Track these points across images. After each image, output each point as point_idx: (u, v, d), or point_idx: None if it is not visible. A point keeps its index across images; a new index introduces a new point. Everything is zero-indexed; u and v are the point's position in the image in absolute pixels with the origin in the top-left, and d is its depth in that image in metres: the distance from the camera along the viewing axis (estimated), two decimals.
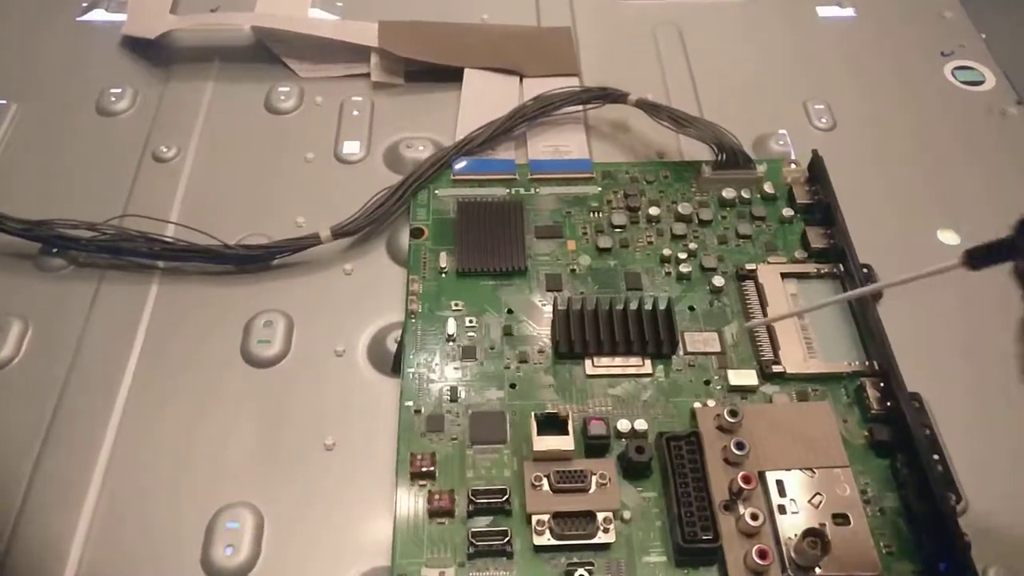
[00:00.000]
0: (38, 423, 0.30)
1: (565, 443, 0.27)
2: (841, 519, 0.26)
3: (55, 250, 0.34)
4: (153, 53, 0.43)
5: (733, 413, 0.28)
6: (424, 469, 0.27)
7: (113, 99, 0.41)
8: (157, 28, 0.43)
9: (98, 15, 0.46)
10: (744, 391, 0.30)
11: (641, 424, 0.29)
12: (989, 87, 0.43)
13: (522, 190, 0.37)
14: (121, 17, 0.45)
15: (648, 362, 0.31)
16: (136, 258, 0.34)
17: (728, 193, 0.36)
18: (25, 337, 0.32)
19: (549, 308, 0.32)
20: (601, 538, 0.26)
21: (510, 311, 0.32)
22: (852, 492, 0.27)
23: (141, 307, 0.33)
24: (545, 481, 0.27)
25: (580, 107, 0.40)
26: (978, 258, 0.22)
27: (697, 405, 0.29)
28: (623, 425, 0.29)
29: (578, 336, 0.30)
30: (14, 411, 0.30)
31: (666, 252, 0.34)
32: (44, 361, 0.31)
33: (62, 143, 0.39)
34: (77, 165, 0.38)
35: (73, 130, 0.40)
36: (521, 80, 0.42)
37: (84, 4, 0.46)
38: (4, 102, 0.41)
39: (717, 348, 0.31)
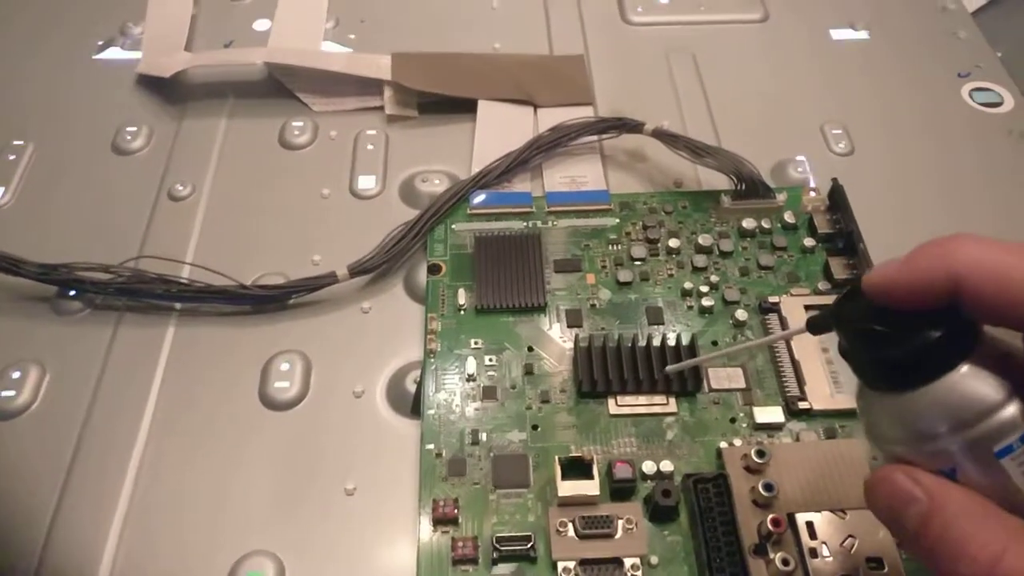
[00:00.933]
0: (57, 470, 0.29)
1: (590, 488, 0.27)
2: (875, 564, 0.26)
3: (72, 293, 0.34)
4: (168, 90, 0.43)
5: (761, 454, 0.27)
6: (447, 515, 0.27)
7: (129, 138, 0.41)
8: (171, 66, 0.43)
9: (114, 53, 0.46)
10: (770, 428, 0.30)
11: (667, 465, 0.28)
12: (1008, 108, 0.43)
13: (539, 223, 0.36)
14: (136, 55, 0.45)
15: (672, 400, 0.30)
16: (153, 300, 0.34)
17: (748, 223, 0.35)
18: (43, 382, 0.32)
19: (570, 344, 0.32)
20: None
21: (530, 348, 0.32)
22: (886, 535, 0.26)
23: (158, 349, 0.33)
24: (570, 527, 0.26)
25: (596, 137, 0.40)
26: (813, 326, 0.22)
27: (723, 444, 0.29)
28: (648, 467, 0.28)
29: (600, 375, 0.30)
30: (32, 458, 0.30)
31: (687, 285, 0.33)
32: (62, 406, 0.31)
33: (78, 183, 0.39)
34: (93, 205, 0.38)
35: (89, 170, 0.40)
36: (535, 110, 0.42)
37: (100, 43, 0.46)
38: (20, 143, 0.41)
39: (742, 384, 0.31)
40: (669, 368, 0.29)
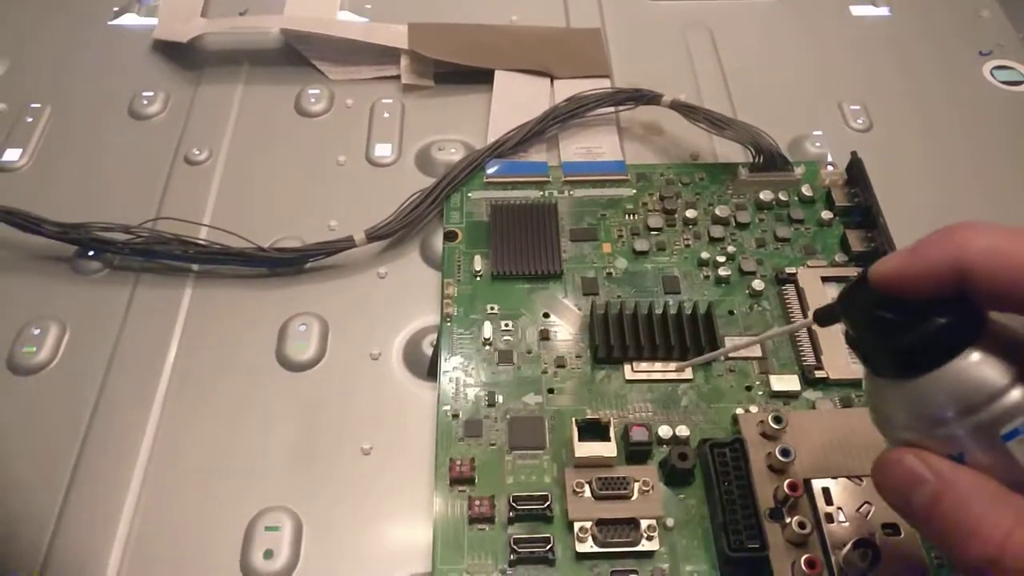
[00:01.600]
0: (76, 426, 0.30)
1: (607, 449, 0.27)
2: (891, 529, 0.26)
3: (91, 253, 0.34)
4: (184, 57, 0.43)
5: (777, 420, 0.27)
6: (464, 475, 0.27)
7: (145, 103, 0.41)
8: (187, 32, 0.43)
9: (129, 19, 0.46)
10: (786, 397, 0.30)
11: (683, 430, 0.28)
12: None
13: (555, 192, 0.36)
14: (152, 22, 0.45)
15: (688, 368, 0.30)
16: (171, 261, 0.34)
17: (766, 195, 0.35)
18: (63, 340, 0.32)
19: (585, 312, 0.32)
20: (645, 546, 0.26)
21: (546, 315, 0.32)
22: None
23: (176, 310, 0.33)
24: (587, 488, 0.26)
25: (612, 108, 0.40)
26: (820, 318, 0.22)
27: (739, 411, 0.29)
28: (664, 431, 0.28)
29: (617, 340, 0.30)
30: (52, 414, 0.30)
31: (704, 255, 0.33)
32: (81, 364, 0.31)
33: (96, 146, 0.39)
34: (111, 168, 0.38)
35: (106, 133, 0.40)
36: (552, 82, 0.42)
37: (115, 9, 0.46)
38: (38, 106, 0.41)
39: (758, 353, 0.31)
40: (688, 363, 0.29)
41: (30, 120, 0.40)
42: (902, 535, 0.25)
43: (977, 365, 0.18)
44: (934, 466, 0.19)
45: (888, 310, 0.19)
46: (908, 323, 0.19)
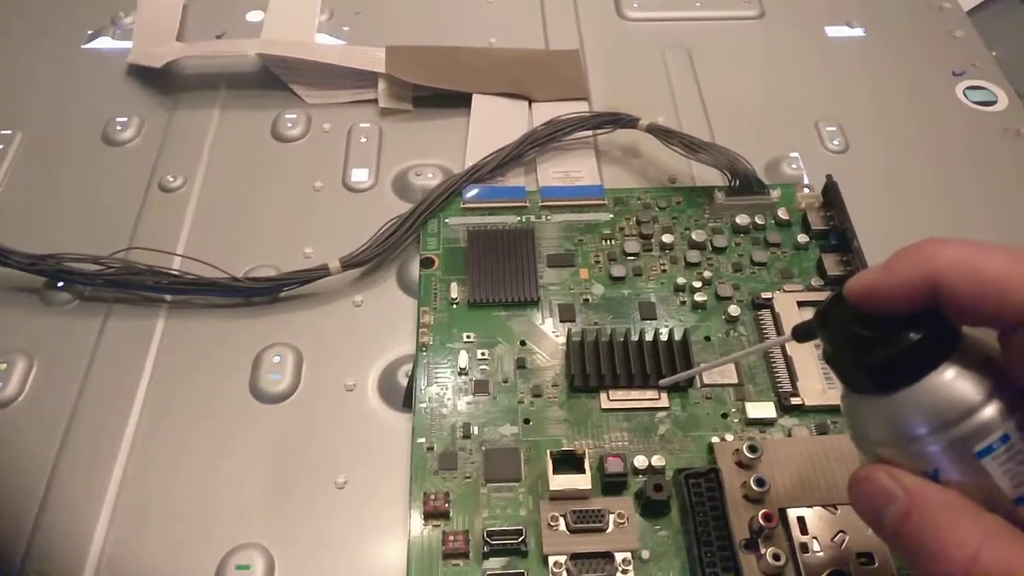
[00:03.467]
0: (43, 462, 0.29)
1: (582, 482, 0.27)
2: (865, 559, 0.25)
3: (60, 284, 0.34)
4: (159, 81, 0.43)
5: (753, 449, 0.27)
6: (438, 509, 0.27)
7: (119, 128, 0.41)
8: (163, 56, 0.42)
9: (104, 43, 0.46)
10: (762, 424, 0.30)
11: (659, 460, 0.28)
12: (1002, 107, 0.43)
13: (533, 217, 0.36)
14: (127, 45, 0.45)
15: (664, 395, 0.30)
16: (143, 291, 0.34)
17: (742, 219, 0.35)
18: (30, 374, 0.32)
19: (562, 339, 0.32)
20: None
21: (523, 343, 0.32)
22: None
23: (148, 341, 0.33)
24: (562, 521, 0.26)
25: (590, 132, 0.40)
26: (798, 334, 0.22)
27: (715, 439, 0.29)
28: (640, 461, 0.28)
29: (593, 369, 0.30)
30: (19, 450, 0.30)
31: (680, 281, 0.33)
32: (50, 398, 0.31)
33: (67, 173, 0.39)
34: (82, 196, 0.38)
35: (79, 160, 0.40)
36: (530, 105, 0.42)
37: (89, 32, 0.46)
38: (8, 132, 0.40)
39: (734, 380, 0.31)
40: (663, 382, 0.29)
41: (0, 147, 0.40)
42: (876, 564, 0.25)
43: (952, 381, 0.19)
44: (904, 483, 0.19)
45: (863, 326, 0.20)
46: (883, 339, 0.19)
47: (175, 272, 0.33)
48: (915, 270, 0.19)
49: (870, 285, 0.19)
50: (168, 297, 0.34)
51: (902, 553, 0.19)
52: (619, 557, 0.26)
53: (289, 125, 0.41)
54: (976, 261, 0.18)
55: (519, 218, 0.36)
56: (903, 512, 0.19)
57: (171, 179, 0.38)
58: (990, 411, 0.18)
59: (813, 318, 0.21)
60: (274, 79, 0.43)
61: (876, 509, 0.20)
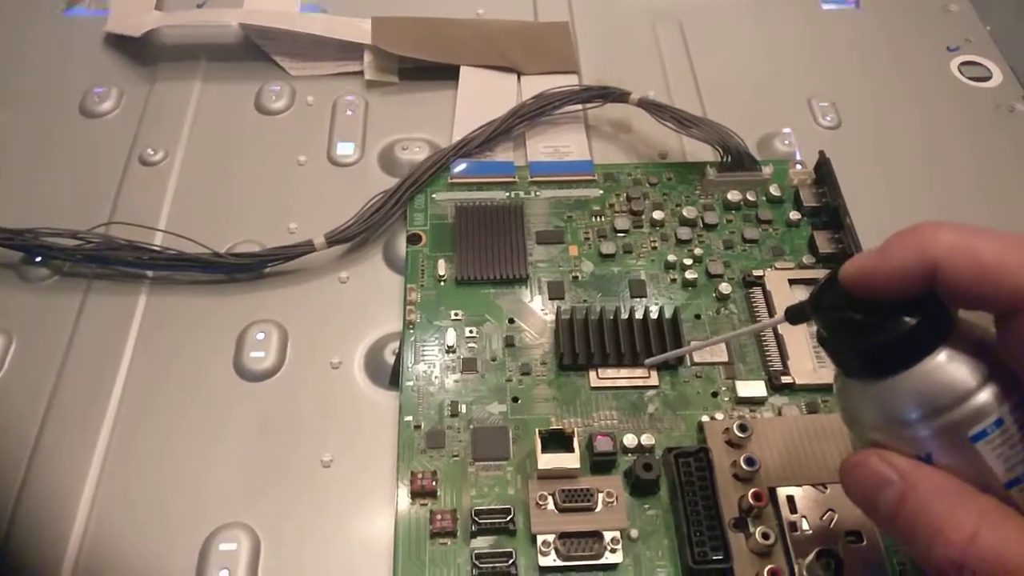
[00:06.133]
0: (23, 443, 0.29)
1: (571, 460, 0.26)
2: (854, 537, 0.25)
3: (38, 259, 0.33)
4: (138, 51, 0.42)
5: (743, 428, 0.27)
6: (425, 488, 0.27)
7: (97, 100, 0.40)
8: (141, 25, 0.41)
9: (81, 10, 0.44)
10: (752, 403, 0.29)
11: (648, 439, 0.28)
12: (996, 83, 0.42)
13: (521, 193, 0.36)
14: (104, 13, 0.43)
15: (654, 373, 0.30)
16: (123, 267, 0.33)
17: (733, 196, 0.35)
18: (8, 351, 0.31)
19: (551, 317, 0.31)
20: (608, 558, 0.25)
21: (511, 320, 0.31)
22: None
23: (129, 318, 0.32)
24: (550, 500, 0.26)
25: (580, 106, 0.39)
26: (792, 315, 0.22)
27: (705, 418, 0.29)
28: (629, 440, 0.28)
29: (582, 347, 0.30)
30: None
31: (671, 258, 0.33)
32: (29, 376, 0.30)
33: (44, 146, 0.38)
34: (60, 169, 0.37)
35: (55, 132, 0.38)
36: (519, 78, 0.41)
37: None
38: None
39: (724, 358, 0.30)
40: (648, 361, 0.29)
41: None
42: (864, 543, 0.25)
43: (946, 366, 0.18)
44: (899, 466, 0.19)
45: (857, 311, 0.19)
46: (877, 324, 0.19)
47: (156, 247, 0.33)
48: (912, 255, 0.18)
49: (865, 269, 0.19)
50: (149, 273, 0.33)
51: (898, 537, 0.19)
52: (608, 536, 0.26)
53: (273, 97, 0.40)
54: (973, 245, 0.18)
55: (508, 194, 0.36)
56: (899, 496, 0.19)
57: (151, 152, 0.37)
58: (984, 396, 0.18)
59: (807, 301, 0.21)
60: (257, 50, 0.42)
61: (871, 494, 0.20)
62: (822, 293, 0.20)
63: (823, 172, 0.35)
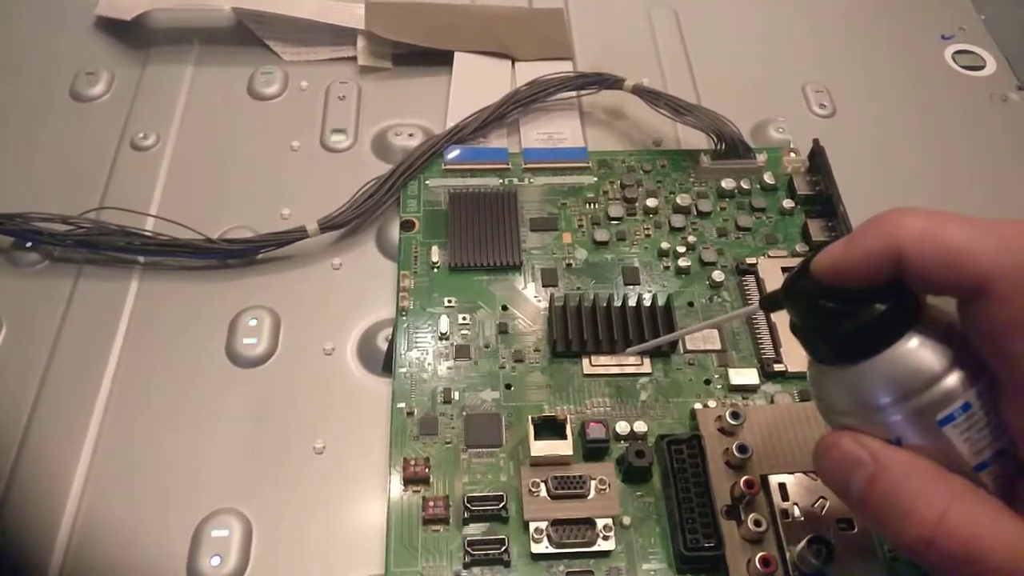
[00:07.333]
0: (14, 428, 0.29)
1: (563, 448, 0.26)
2: (845, 524, 0.26)
3: (29, 244, 0.33)
4: (129, 34, 0.41)
5: (735, 415, 0.27)
6: (418, 474, 0.27)
7: (88, 83, 0.39)
8: (133, 8, 0.41)
9: None
10: (745, 390, 0.29)
11: (641, 426, 0.28)
12: (990, 72, 0.42)
13: (515, 180, 0.36)
14: None
15: (647, 361, 0.30)
16: (114, 252, 0.33)
17: (727, 183, 0.35)
18: None
19: (544, 304, 0.31)
20: (601, 545, 0.25)
21: (505, 307, 0.31)
22: None
23: (121, 304, 0.32)
24: (543, 487, 0.26)
25: (574, 93, 0.39)
26: (765, 304, 0.22)
27: (698, 406, 0.29)
28: (622, 427, 0.28)
29: (575, 334, 0.30)
30: None
31: (664, 245, 0.33)
32: (19, 362, 0.30)
33: (34, 130, 0.38)
34: (51, 153, 0.37)
35: (46, 116, 0.38)
36: (513, 64, 0.41)
37: None
38: None
39: (718, 346, 0.30)
40: (630, 350, 0.29)
41: None
42: (855, 530, 0.26)
43: (914, 351, 0.19)
44: (870, 448, 0.19)
45: (828, 299, 0.20)
46: (847, 311, 0.19)
47: (148, 233, 0.32)
48: (877, 242, 0.19)
49: (835, 260, 0.19)
50: (141, 259, 0.33)
51: (869, 518, 0.20)
52: (600, 523, 0.26)
53: (265, 83, 0.40)
54: (938, 231, 0.18)
55: (501, 180, 0.35)
56: (870, 476, 0.19)
57: (143, 137, 0.37)
58: (952, 380, 0.19)
59: (779, 289, 0.21)
60: (250, 34, 0.42)
61: (843, 475, 0.20)
62: (794, 282, 0.21)
63: (817, 160, 0.35)
